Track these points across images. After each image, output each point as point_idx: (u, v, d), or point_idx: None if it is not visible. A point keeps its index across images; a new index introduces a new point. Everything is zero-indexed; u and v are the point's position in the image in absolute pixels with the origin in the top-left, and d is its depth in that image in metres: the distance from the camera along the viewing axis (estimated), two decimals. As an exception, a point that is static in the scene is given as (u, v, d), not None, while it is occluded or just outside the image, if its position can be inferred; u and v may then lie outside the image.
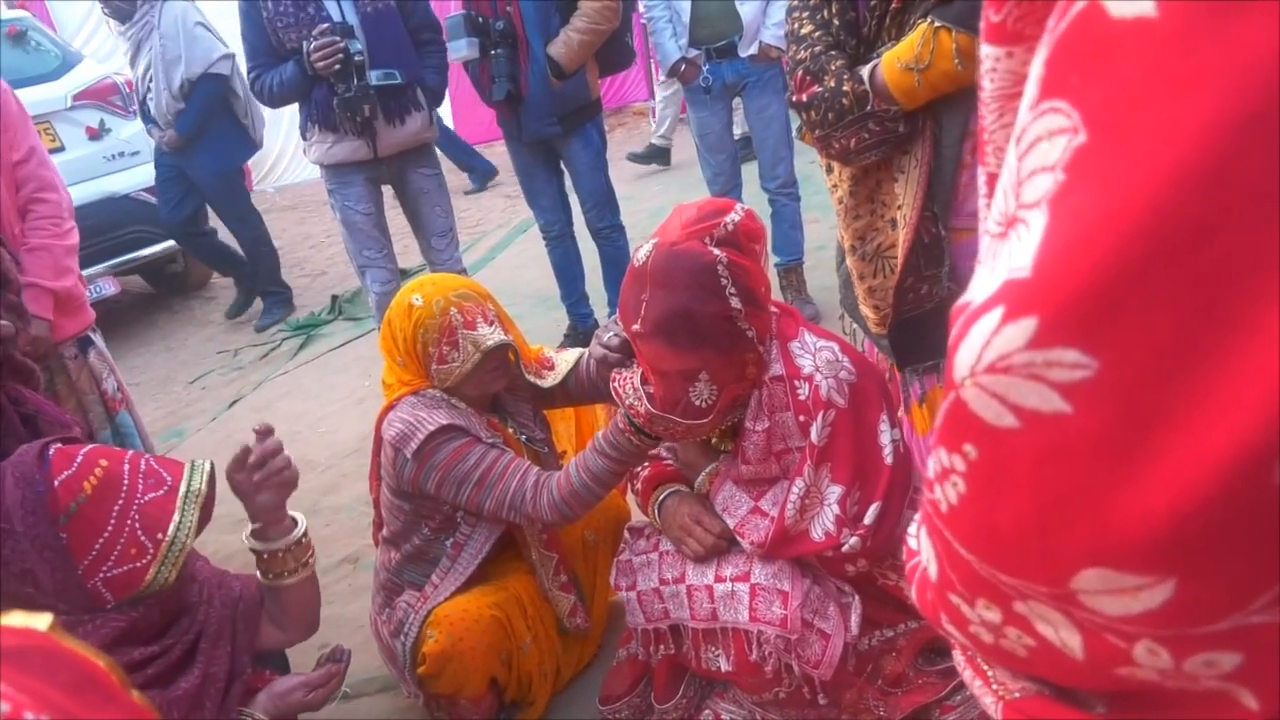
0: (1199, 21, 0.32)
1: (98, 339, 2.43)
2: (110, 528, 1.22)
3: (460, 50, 3.17)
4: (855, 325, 1.79)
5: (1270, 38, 0.30)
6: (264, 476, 1.49)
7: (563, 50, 3.20)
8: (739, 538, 1.52)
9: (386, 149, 3.20)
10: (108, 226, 4.72)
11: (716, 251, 1.35)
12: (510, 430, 1.89)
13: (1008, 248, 0.38)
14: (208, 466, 1.36)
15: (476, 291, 1.79)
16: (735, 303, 1.35)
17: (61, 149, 4.65)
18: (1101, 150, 0.34)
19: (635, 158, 6.65)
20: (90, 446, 1.29)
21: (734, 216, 1.39)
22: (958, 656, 0.61)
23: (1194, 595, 0.35)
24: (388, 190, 3.44)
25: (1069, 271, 0.34)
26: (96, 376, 2.40)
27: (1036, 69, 0.37)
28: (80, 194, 4.33)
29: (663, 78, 6.55)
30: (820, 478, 1.45)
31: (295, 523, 1.59)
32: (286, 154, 8.74)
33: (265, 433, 1.53)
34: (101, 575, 1.21)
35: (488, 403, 1.86)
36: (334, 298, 5.21)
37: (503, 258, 5.49)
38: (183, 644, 1.35)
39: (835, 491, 1.44)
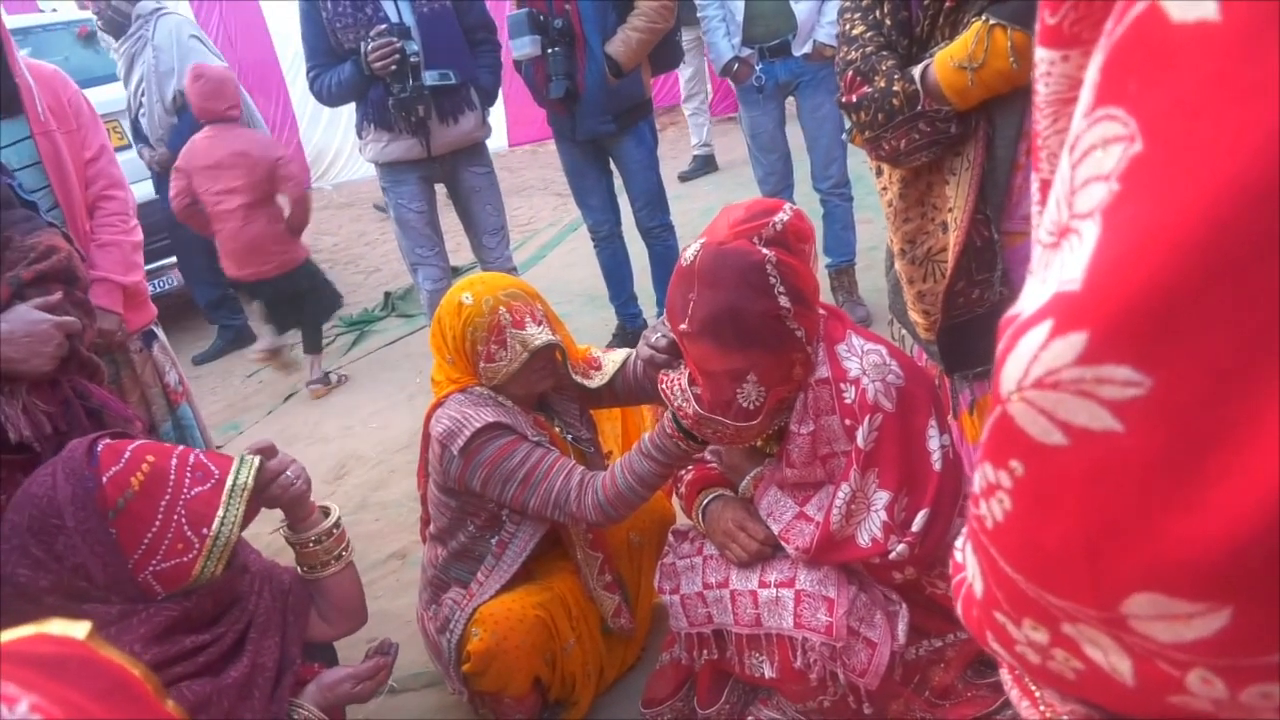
0: (1264, 26, 0.30)
1: (160, 333, 2.50)
2: (158, 522, 1.25)
3: (524, 47, 3.19)
4: (904, 331, 1.76)
5: None
6: (274, 497, 1.51)
7: (621, 49, 3.21)
8: (784, 543, 1.50)
9: (440, 148, 3.24)
10: (172, 223, 4.84)
11: (765, 251, 1.34)
12: (556, 429, 1.90)
13: (1059, 258, 0.37)
14: (255, 461, 1.38)
15: (525, 291, 1.80)
16: (784, 301, 1.34)
17: (128, 147, 4.78)
18: (1159, 160, 0.33)
19: (686, 176, 6.61)
20: (138, 442, 1.32)
21: (782, 216, 1.38)
22: (1004, 675, 0.59)
23: (1251, 624, 0.34)
24: (441, 189, 3.48)
25: (1122, 285, 0.33)
26: (160, 369, 2.47)
27: (1092, 74, 0.36)
28: (145, 191, 4.46)
29: (686, 96, 6.53)
30: (867, 483, 1.43)
31: (326, 514, 1.62)
32: (344, 152, 8.89)
33: (269, 451, 1.52)
34: (151, 569, 1.24)
35: (534, 401, 1.87)
36: (387, 294, 5.29)
37: (553, 256, 5.52)
38: (233, 633, 1.37)
39: (883, 497, 1.42)
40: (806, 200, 3.74)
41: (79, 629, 0.49)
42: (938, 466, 1.42)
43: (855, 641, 1.46)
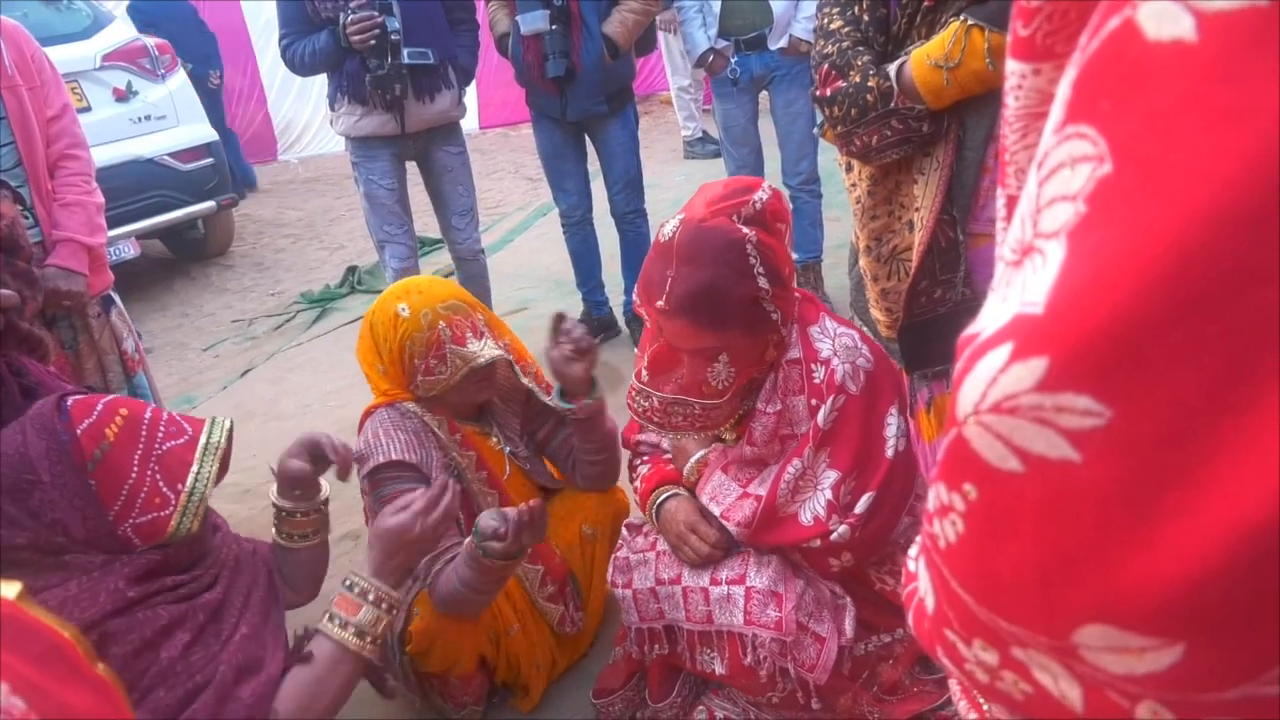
0: (1243, 49, 0.29)
1: (118, 299, 2.45)
2: (134, 474, 1.24)
3: (535, 22, 3.16)
4: (865, 328, 1.78)
5: None
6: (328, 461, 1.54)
7: (618, 29, 3.22)
8: (725, 522, 1.50)
9: (414, 125, 3.20)
10: (131, 189, 4.74)
11: (745, 230, 1.32)
12: (493, 440, 1.89)
13: (1021, 278, 0.36)
14: (227, 423, 1.37)
15: (465, 302, 1.77)
16: (763, 282, 1.33)
17: (88, 109, 4.67)
18: (1128, 182, 0.32)
19: (692, 155, 6.69)
20: (109, 396, 1.30)
21: (761, 195, 1.37)
22: (953, 685, 0.60)
23: (1204, 661, 0.34)
24: (411, 166, 3.44)
25: (1085, 312, 0.32)
26: (117, 336, 2.42)
27: (1064, 90, 0.35)
28: (105, 155, 4.35)
29: (684, 79, 6.55)
30: (818, 461, 1.44)
31: (320, 488, 1.62)
32: (313, 125, 8.76)
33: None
34: (131, 522, 1.22)
35: (472, 412, 1.86)
36: (349, 269, 5.22)
37: (521, 240, 5.49)
38: (209, 576, 1.37)
39: (831, 476, 1.42)
40: (777, 195, 3.76)
41: (9, 589, 0.48)
42: (890, 454, 1.43)
43: (804, 636, 1.47)
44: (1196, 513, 0.32)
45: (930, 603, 0.48)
